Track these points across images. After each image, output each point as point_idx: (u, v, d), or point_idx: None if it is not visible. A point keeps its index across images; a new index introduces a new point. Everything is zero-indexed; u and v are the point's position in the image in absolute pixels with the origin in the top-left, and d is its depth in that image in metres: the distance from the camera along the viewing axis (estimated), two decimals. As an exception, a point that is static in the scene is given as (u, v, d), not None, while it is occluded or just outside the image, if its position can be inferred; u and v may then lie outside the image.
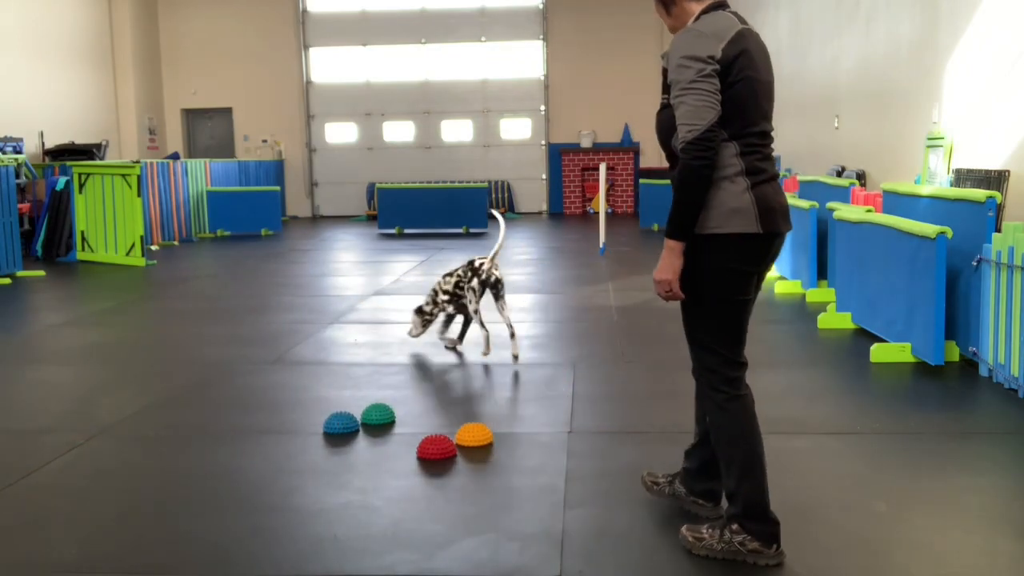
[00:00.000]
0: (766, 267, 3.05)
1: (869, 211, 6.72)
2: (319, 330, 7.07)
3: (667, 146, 3.00)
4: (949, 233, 5.30)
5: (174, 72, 19.81)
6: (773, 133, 3.03)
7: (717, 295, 2.94)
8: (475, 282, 5.99)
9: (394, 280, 9.75)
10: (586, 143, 19.35)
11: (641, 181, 15.73)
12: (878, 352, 5.75)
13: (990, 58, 7.24)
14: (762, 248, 2.94)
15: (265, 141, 19.94)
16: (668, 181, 13.22)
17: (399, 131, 19.99)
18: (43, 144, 15.68)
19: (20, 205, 12.18)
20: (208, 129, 20.32)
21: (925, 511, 3.43)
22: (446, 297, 6.19)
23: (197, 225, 15.18)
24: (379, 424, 4.58)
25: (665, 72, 2.95)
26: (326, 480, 3.86)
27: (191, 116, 20.21)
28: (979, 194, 5.50)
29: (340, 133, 20.12)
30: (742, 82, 2.85)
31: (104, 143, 16.47)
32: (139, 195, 11.60)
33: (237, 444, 4.37)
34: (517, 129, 19.88)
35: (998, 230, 5.46)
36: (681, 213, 2.86)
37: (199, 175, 15.32)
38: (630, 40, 19.07)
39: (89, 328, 7.41)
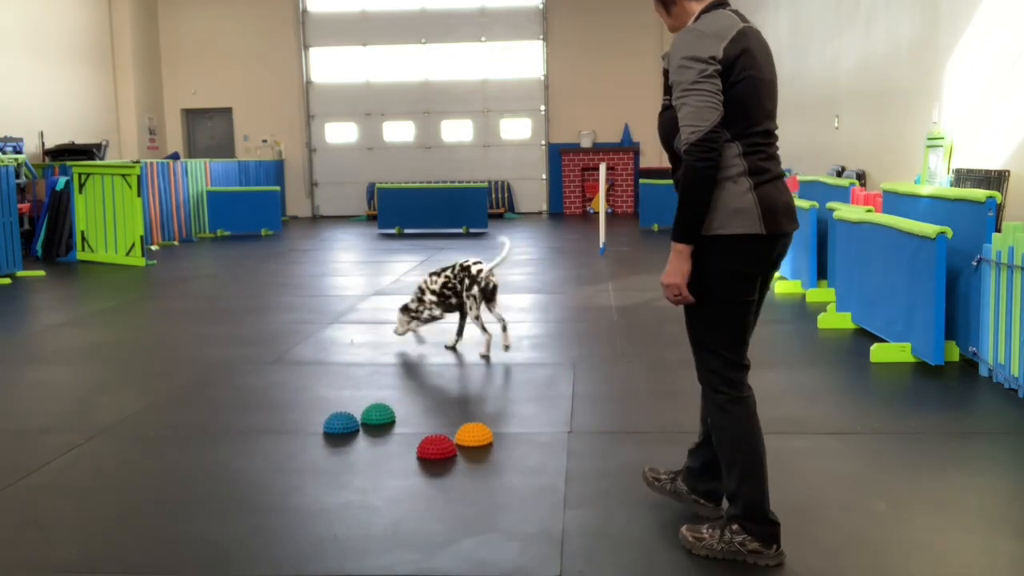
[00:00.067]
0: (772, 268, 3.03)
1: (869, 211, 6.72)
2: (319, 330, 7.07)
3: (669, 147, 2.98)
4: (949, 233, 5.30)
5: (174, 72, 19.81)
6: (777, 132, 3.01)
7: (720, 296, 2.92)
8: (475, 290, 6.04)
9: (394, 280, 9.75)
10: (586, 143, 19.35)
11: (641, 181, 15.73)
12: (878, 352, 5.75)
13: (990, 58, 7.24)
14: (766, 249, 2.92)
15: (265, 141, 19.94)
16: (668, 181, 13.15)
17: (399, 131, 19.99)
18: (43, 144, 15.68)
19: (20, 205, 12.18)
20: (208, 129, 20.32)
21: (925, 511, 3.43)
22: (433, 298, 6.21)
23: (197, 225, 15.18)
24: (379, 424, 4.58)
25: (666, 73, 2.93)
26: (326, 480, 3.86)
27: (191, 116, 20.21)
28: (979, 194, 5.50)
29: (340, 133, 20.12)
30: (744, 81, 2.83)
31: (104, 143, 16.47)
32: (139, 195, 11.60)
33: (237, 444, 4.37)
34: (517, 129, 19.88)
35: (998, 230, 5.46)
36: (687, 215, 2.83)
37: (199, 175, 15.32)
38: (630, 40, 19.06)
39: (89, 328, 7.41)
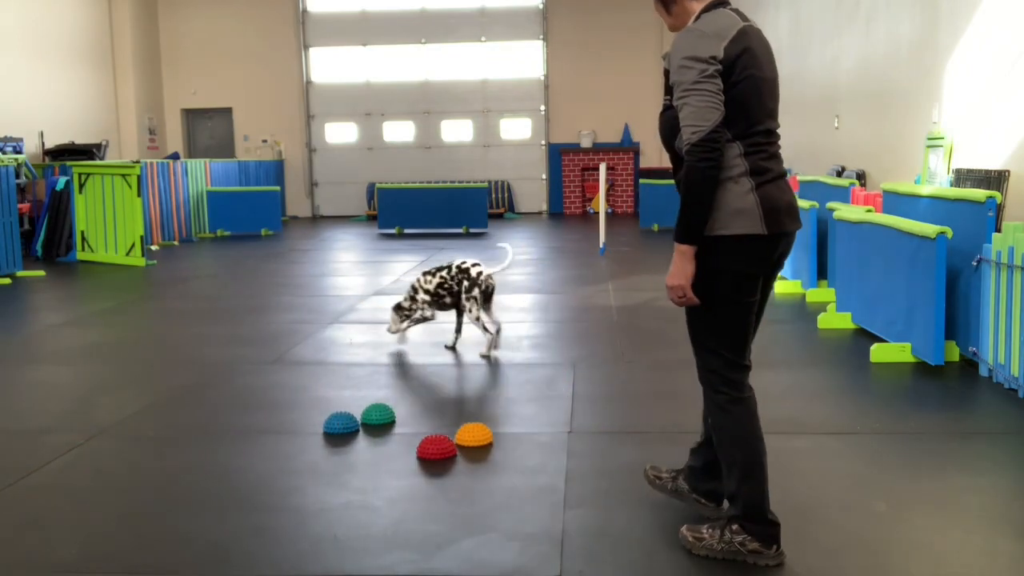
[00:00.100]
0: (775, 268, 3.02)
1: (869, 211, 6.72)
2: (319, 330, 7.07)
3: (671, 147, 2.97)
4: (949, 233, 5.30)
5: (174, 72, 19.81)
6: (779, 130, 2.99)
7: (722, 297, 2.91)
8: (475, 292, 6.05)
9: (394, 280, 9.75)
10: (586, 143, 19.35)
11: (641, 181, 15.73)
12: (878, 352, 5.75)
13: (990, 58, 7.24)
14: (768, 249, 2.91)
15: (265, 141, 19.94)
16: (668, 181, 13.14)
17: (399, 131, 19.99)
18: (43, 144, 15.68)
19: (20, 205, 12.18)
20: (208, 129, 20.32)
21: (925, 511, 3.43)
22: (427, 297, 6.23)
23: (197, 225, 15.18)
24: (379, 424, 4.58)
25: (667, 73, 2.92)
26: (326, 480, 3.86)
27: (191, 116, 20.21)
28: (979, 194, 5.50)
29: (340, 133, 20.12)
30: (745, 81, 2.82)
31: (104, 143, 16.47)
32: (139, 195, 11.60)
33: (237, 444, 4.37)
34: (517, 129, 19.88)
35: (998, 230, 5.46)
36: (690, 216, 2.82)
37: (199, 175, 15.32)
38: (630, 40, 19.06)
39: (89, 328, 7.41)
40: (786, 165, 3.05)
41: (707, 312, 2.94)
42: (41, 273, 10.70)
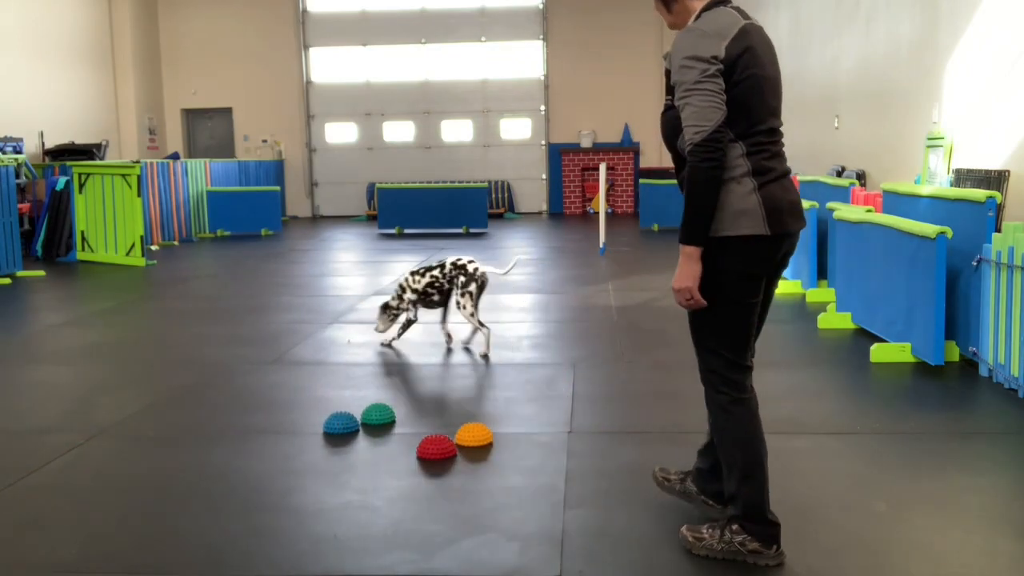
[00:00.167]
0: (778, 268, 3.01)
1: (869, 211, 6.72)
2: (319, 330, 7.07)
3: (673, 147, 2.95)
4: (949, 233, 5.30)
5: (174, 72, 19.81)
6: (782, 129, 2.98)
7: (724, 298, 2.89)
8: (472, 287, 6.12)
9: (394, 280, 9.75)
10: (586, 143, 19.35)
11: (641, 181, 15.73)
12: (878, 352, 5.75)
13: (990, 58, 7.24)
14: (771, 249, 2.89)
15: (265, 141, 19.94)
16: (668, 181, 13.14)
17: (399, 131, 19.99)
18: (43, 144, 15.68)
19: (20, 205, 12.18)
20: (208, 129, 20.32)
21: (925, 511, 3.43)
22: (413, 296, 6.27)
23: (197, 225, 15.18)
24: (379, 424, 4.58)
25: (668, 73, 2.91)
26: (326, 480, 3.86)
27: (191, 116, 20.21)
28: (979, 194, 5.50)
29: (340, 133, 20.12)
30: (747, 80, 2.80)
31: (104, 143, 16.47)
32: (139, 195, 11.60)
33: (237, 444, 4.37)
34: (517, 129, 19.88)
35: (998, 230, 5.46)
36: (694, 217, 2.79)
37: (199, 175, 15.32)
38: (630, 40, 19.06)
39: (89, 328, 7.41)
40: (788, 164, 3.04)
41: (709, 312, 2.93)
42: (41, 273, 10.70)
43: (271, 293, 9.02)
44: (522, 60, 19.65)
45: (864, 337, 6.37)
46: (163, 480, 3.91)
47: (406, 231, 15.53)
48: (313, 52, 19.86)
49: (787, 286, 8.43)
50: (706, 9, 2.90)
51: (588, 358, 6.00)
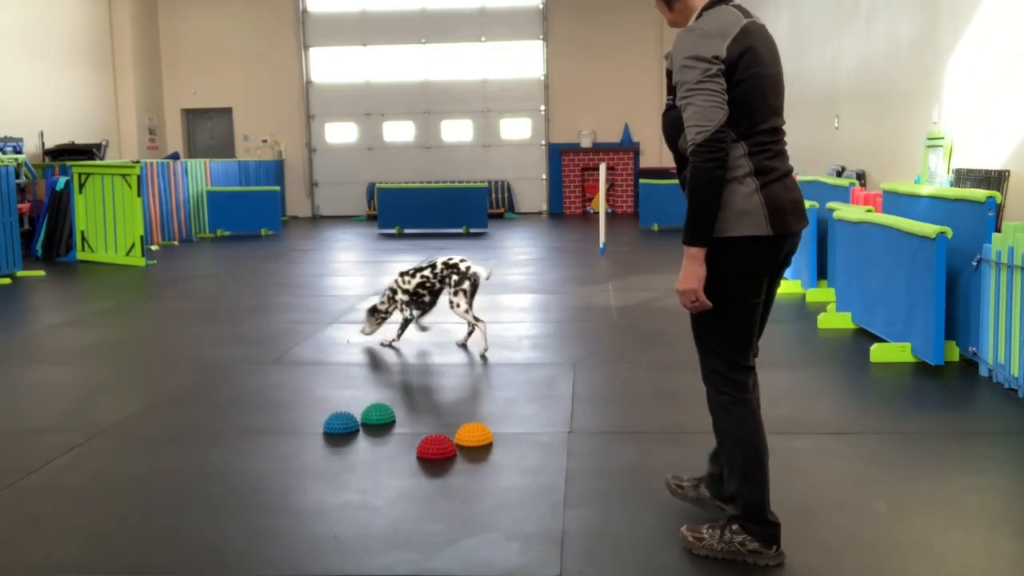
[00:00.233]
0: (781, 267, 3.01)
1: (869, 211, 6.72)
2: (319, 330, 7.07)
3: (674, 147, 2.94)
4: (949, 233, 5.30)
5: (174, 72, 19.81)
6: (784, 127, 2.96)
7: (727, 298, 2.88)
8: (466, 284, 6.19)
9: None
10: (586, 143, 19.35)
11: (641, 181, 15.72)
12: (878, 352, 5.75)
13: (990, 58, 7.24)
14: (773, 249, 2.88)
15: (265, 141, 19.94)
16: (668, 181, 13.13)
17: (399, 131, 19.99)
18: (43, 144, 15.68)
19: (20, 205, 12.17)
20: (208, 129, 20.32)
21: (925, 511, 3.43)
22: (406, 297, 6.33)
23: (197, 225, 15.18)
24: (379, 424, 4.58)
25: (669, 73, 2.90)
26: (326, 480, 3.85)
27: (191, 116, 20.21)
28: (979, 194, 5.50)
29: (340, 133, 20.12)
30: (749, 80, 2.79)
31: (104, 143, 16.47)
32: (139, 195, 11.60)
33: (237, 444, 4.37)
34: (517, 129, 19.88)
35: (998, 230, 5.46)
36: (697, 218, 2.78)
37: (199, 175, 15.31)
38: (630, 40, 19.06)
39: (89, 328, 7.41)
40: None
41: (712, 313, 2.91)
42: (41, 273, 10.70)
43: (271, 293, 9.02)
44: (522, 60, 19.65)
45: (864, 337, 6.37)
46: (163, 480, 3.91)
47: (406, 231, 15.53)
48: (313, 52, 19.86)
49: (787, 286, 8.43)
50: (707, 7, 2.88)
51: (588, 358, 6.00)
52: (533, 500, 3.59)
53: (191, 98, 19.90)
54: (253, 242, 14.30)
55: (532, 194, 19.89)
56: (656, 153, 19.10)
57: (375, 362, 6.02)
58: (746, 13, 2.88)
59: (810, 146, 12.24)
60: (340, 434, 4.43)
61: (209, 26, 19.59)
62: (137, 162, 12.28)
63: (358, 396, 5.14)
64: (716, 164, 2.75)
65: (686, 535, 3.09)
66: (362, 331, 6.47)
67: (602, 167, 12.38)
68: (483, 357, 6.03)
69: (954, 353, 5.66)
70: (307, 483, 3.82)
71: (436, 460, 4.05)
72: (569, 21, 19.23)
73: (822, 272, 8.19)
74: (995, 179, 6.87)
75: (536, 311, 7.81)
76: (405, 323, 6.42)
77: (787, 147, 2.97)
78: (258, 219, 15.50)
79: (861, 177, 10.09)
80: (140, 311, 8.27)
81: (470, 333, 6.37)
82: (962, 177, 7.39)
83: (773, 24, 13.87)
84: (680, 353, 5.95)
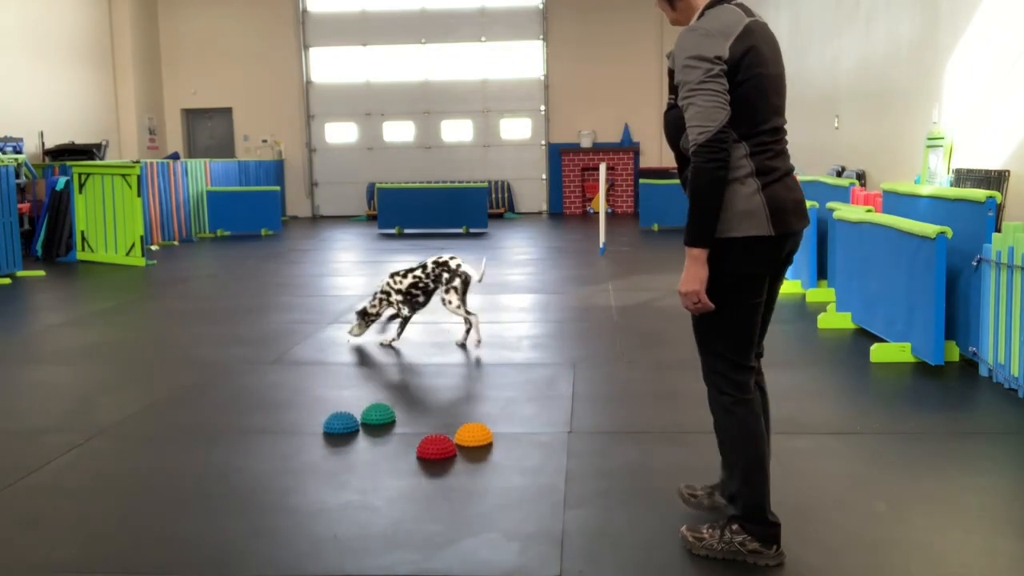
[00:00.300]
0: (783, 266, 3.00)
1: (869, 211, 6.72)
2: (318, 330, 7.07)
3: (676, 147, 2.93)
4: (949, 233, 5.30)
5: (174, 72, 19.81)
6: (786, 126, 2.95)
7: (729, 299, 2.87)
8: (457, 282, 6.31)
9: (394, 280, 9.75)
10: (586, 143, 19.35)
11: (641, 181, 15.72)
12: (878, 352, 5.75)
13: (990, 58, 7.24)
14: (775, 249, 2.88)
15: (265, 141, 19.94)
16: (668, 181, 13.14)
17: (399, 131, 19.99)
18: (43, 144, 15.68)
19: (20, 205, 12.18)
20: (208, 129, 20.32)
21: (925, 511, 3.43)
22: (400, 298, 6.38)
23: (197, 225, 15.18)
24: (379, 424, 4.58)
25: (671, 72, 2.89)
26: (326, 480, 3.85)
27: (191, 116, 20.21)
28: (979, 194, 5.50)
29: (340, 133, 20.12)
30: (751, 80, 2.78)
31: (104, 143, 16.47)
32: (139, 195, 11.60)
33: (237, 444, 4.37)
34: (517, 129, 19.88)
35: (998, 230, 5.46)
36: (699, 218, 2.76)
37: (199, 175, 15.31)
38: (630, 40, 19.06)
39: (89, 328, 7.41)
40: (788, 164, 3.02)
41: (714, 314, 2.90)
42: (41, 273, 10.70)
43: (271, 293, 9.02)
44: (522, 60, 19.65)
45: (864, 337, 6.37)
46: (163, 480, 3.91)
47: (406, 231, 15.53)
48: (313, 52, 19.86)
49: (787, 286, 8.43)
50: (710, 6, 2.87)
51: (588, 358, 6.00)
52: (533, 500, 3.59)
53: (191, 98, 19.90)
54: (253, 242, 14.30)
55: (532, 194, 19.89)
56: (656, 153, 19.10)
57: (375, 362, 6.02)
58: (748, 12, 2.87)
59: (810, 146, 12.24)
60: (340, 434, 4.44)
61: (209, 26, 19.59)
62: (137, 162, 12.28)
63: (358, 396, 5.14)
64: (718, 165, 2.74)
65: (686, 535, 3.09)
66: (350, 332, 6.48)
67: (602, 167, 12.38)
68: (464, 346, 6.20)
69: (954, 353, 5.66)
70: (307, 483, 3.82)
71: (436, 460, 4.05)
72: (569, 21, 19.24)
73: (822, 272, 8.19)
74: (995, 179, 6.87)
75: (536, 311, 7.81)
76: (404, 322, 6.43)
77: (788, 146, 2.97)
78: (258, 219, 15.50)
79: (861, 177, 10.09)
80: (140, 311, 8.27)
81: (468, 331, 6.39)
82: (962, 177, 7.40)
83: (773, 24, 13.84)
84: (680, 353, 5.95)
